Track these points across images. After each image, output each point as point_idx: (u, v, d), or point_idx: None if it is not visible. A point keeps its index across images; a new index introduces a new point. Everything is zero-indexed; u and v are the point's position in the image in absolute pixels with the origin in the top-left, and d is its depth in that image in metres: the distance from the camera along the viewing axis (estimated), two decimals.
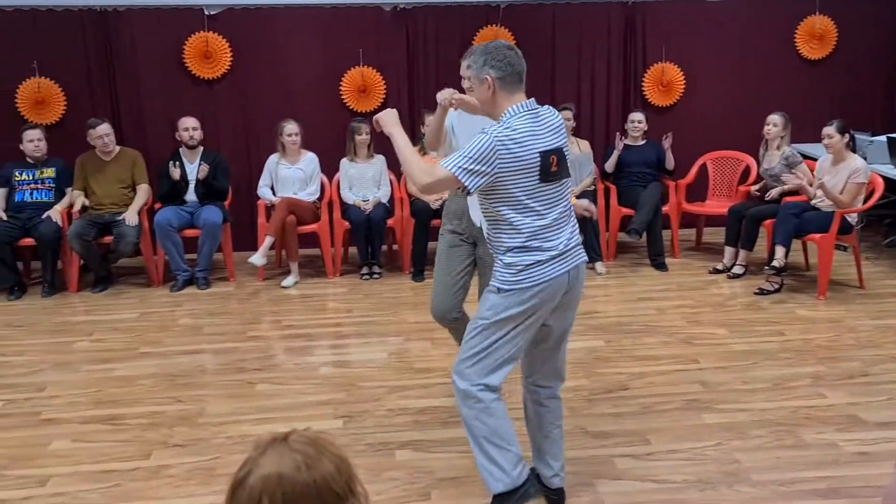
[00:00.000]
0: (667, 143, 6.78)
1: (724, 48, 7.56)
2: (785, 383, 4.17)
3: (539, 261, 2.80)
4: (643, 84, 7.58)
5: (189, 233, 6.36)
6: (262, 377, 4.49)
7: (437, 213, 6.34)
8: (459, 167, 2.71)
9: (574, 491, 3.18)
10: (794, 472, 3.28)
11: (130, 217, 6.19)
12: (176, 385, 4.40)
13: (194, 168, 6.43)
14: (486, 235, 3.04)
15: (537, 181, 2.77)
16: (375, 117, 3.08)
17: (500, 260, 2.85)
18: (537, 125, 2.81)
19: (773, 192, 6.29)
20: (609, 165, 6.88)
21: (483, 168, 2.71)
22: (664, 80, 7.55)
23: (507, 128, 2.77)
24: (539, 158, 2.76)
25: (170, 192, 6.39)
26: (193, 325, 5.46)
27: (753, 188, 6.67)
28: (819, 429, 3.64)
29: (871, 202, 5.79)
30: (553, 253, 2.81)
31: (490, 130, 2.76)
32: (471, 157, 2.71)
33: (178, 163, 6.33)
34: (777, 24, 7.57)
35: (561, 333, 3.01)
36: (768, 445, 3.51)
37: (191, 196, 6.44)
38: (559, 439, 3.15)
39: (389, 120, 3.01)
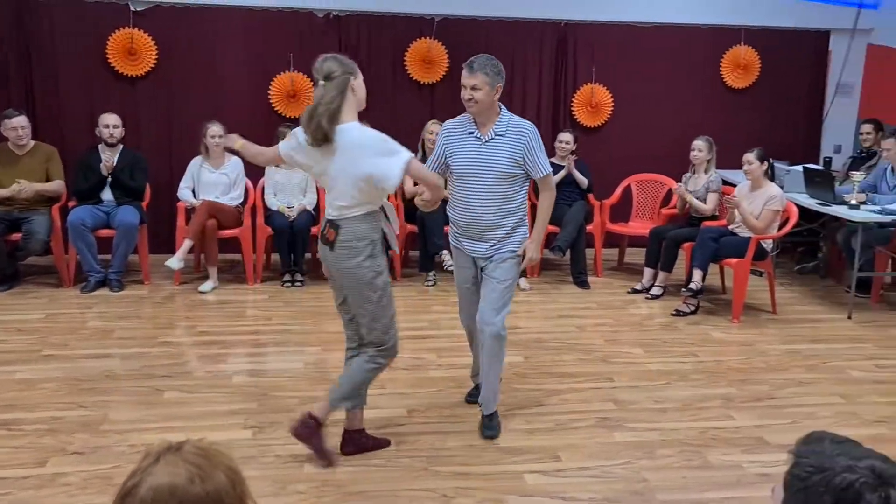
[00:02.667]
0: (570, 166, 6.76)
1: (652, 73, 7.71)
2: (695, 404, 4.24)
3: None
4: (573, 104, 7.68)
5: (104, 233, 6.16)
6: (170, 384, 4.35)
7: None
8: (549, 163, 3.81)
9: None
10: (699, 492, 3.32)
11: (28, 187, 5.98)
12: (80, 390, 4.24)
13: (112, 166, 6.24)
14: (491, 223, 3.74)
15: None
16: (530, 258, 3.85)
17: (518, 232, 3.79)
18: None
19: (689, 198, 6.38)
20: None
21: None
22: (593, 102, 7.66)
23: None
24: None
25: (87, 189, 6.18)
26: (103, 328, 5.27)
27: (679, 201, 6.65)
28: (725, 450, 3.70)
29: (786, 229, 5.97)
30: None
31: (528, 125, 3.71)
32: (545, 152, 3.76)
33: (110, 160, 6.16)
34: (703, 52, 7.77)
35: None
36: (675, 465, 3.55)
37: (107, 195, 6.24)
38: None
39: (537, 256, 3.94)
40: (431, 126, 6.63)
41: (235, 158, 6.52)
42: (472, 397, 4.17)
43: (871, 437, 3.82)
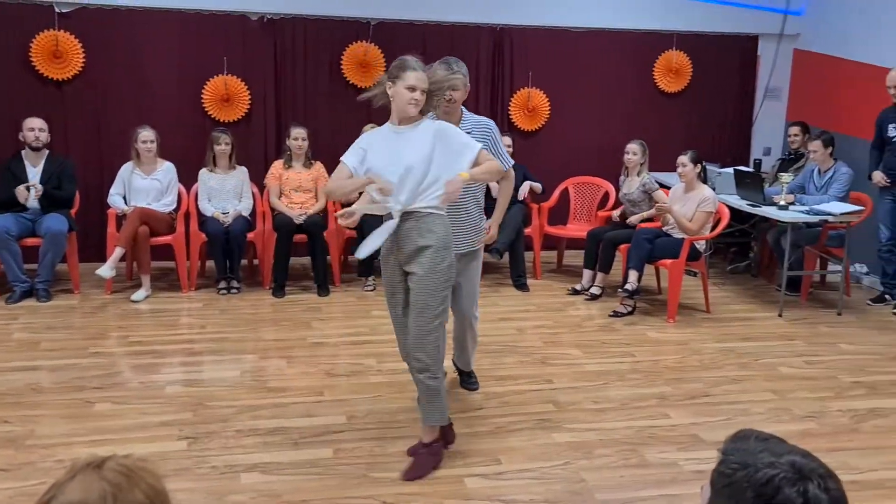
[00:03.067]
0: (522, 193, 6.79)
1: (587, 77, 7.80)
2: (632, 403, 4.29)
3: None
4: (510, 108, 7.72)
5: (30, 241, 5.96)
6: (101, 396, 4.23)
7: (300, 228, 6.22)
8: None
9: None
10: (635, 490, 3.36)
11: None
12: (3, 404, 4.08)
13: (37, 172, 6.04)
14: (461, 217, 3.89)
15: None
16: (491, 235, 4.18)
17: (480, 225, 4.03)
18: None
19: (634, 219, 6.47)
20: None
21: None
22: (530, 106, 7.71)
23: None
24: None
25: (10, 197, 5.97)
26: (29, 339, 5.09)
27: (614, 213, 6.86)
28: (662, 448, 3.75)
29: (718, 230, 6.10)
30: None
31: (489, 121, 4.03)
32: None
33: (28, 186, 5.94)
34: (637, 56, 7.89)
35: None
36: (613, 465, 3.58)
37: (32, 203, 6.03)
38: None
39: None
40: (370, 130, 6.58)
41: (168, 164, 6.39)
42: None
43: (801, 432, 3.92)
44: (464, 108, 3.98)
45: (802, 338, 5.50)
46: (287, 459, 3.57)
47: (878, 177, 6.14)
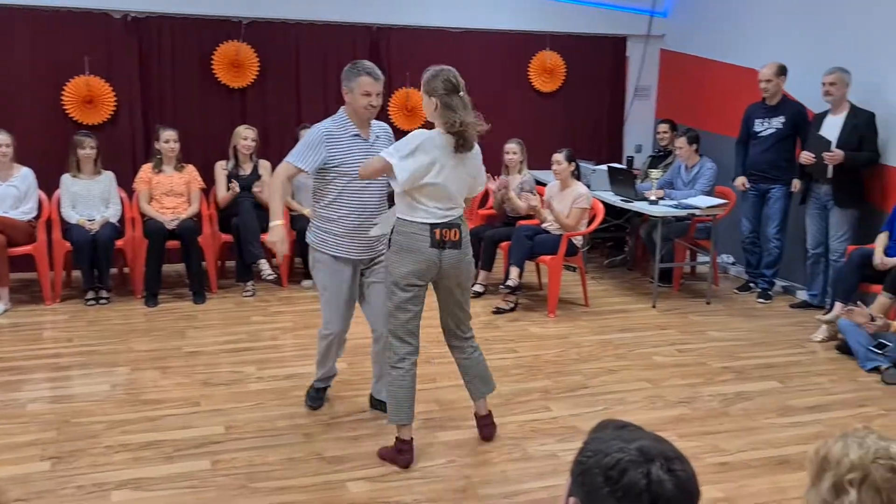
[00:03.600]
0: None
1: (465, 77, 7.70)
2: (515, 398, 4.33)
3: None
4: (389, 108, 7.68)
5: None
6: None
7: (172, 234, 5.99)
8: None
9: None
10: (518, 484, 3.39)
11: None
12: None
13: None
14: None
15: None
16: None
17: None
18: None
19: (520, 204, 6.48)
20: None
21: None
22: (409, 105, 7.70)
23: None
24: None
25: None
26: None
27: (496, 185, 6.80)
28: (542, 441, 3.80)
29: (593, 226, 6.26)
30: None
31: (385, 124, 4.06)
32: None
33: None
34: (512, 57, 8.00)
35: None
36: (496, 460, 3.61)
37: None
38: None
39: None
40: (244, 131, 6.42)
41: (26, 169, 6.03)
42: (314, 401, 4.17)
43: (674, 417, 4.05)
44: None
45: (675, 327, 5.71)
46: (160, 474, 3.42)
47: (740, 181, 6.43)
